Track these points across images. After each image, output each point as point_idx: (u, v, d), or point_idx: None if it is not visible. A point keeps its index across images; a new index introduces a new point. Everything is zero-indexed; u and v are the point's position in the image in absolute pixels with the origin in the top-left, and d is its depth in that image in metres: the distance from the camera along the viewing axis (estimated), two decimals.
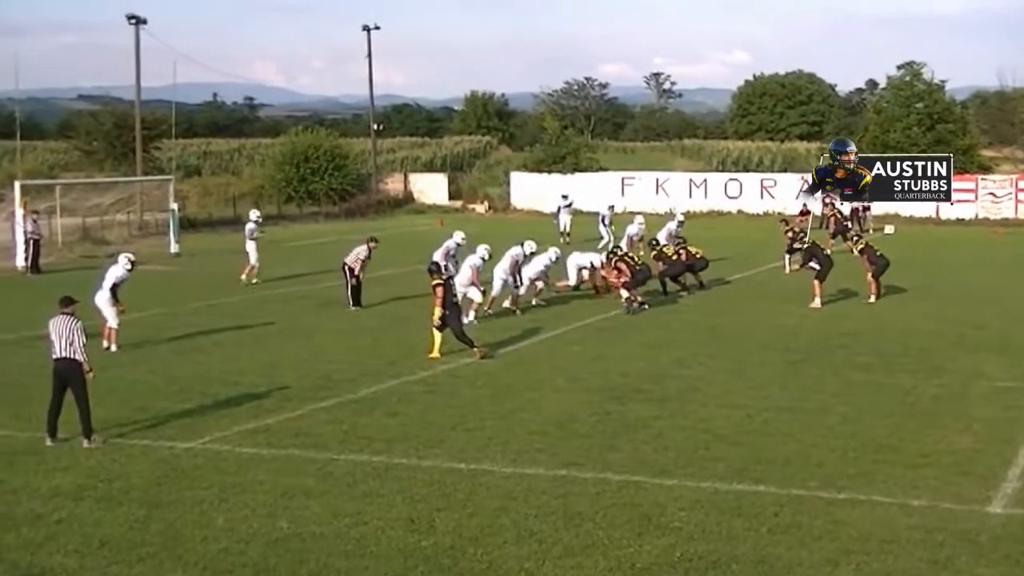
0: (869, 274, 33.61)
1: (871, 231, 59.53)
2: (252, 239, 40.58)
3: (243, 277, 39.71)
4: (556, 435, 18.87)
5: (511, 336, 28.46)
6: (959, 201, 67.82)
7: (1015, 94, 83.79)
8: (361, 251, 34.21)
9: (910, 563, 13.13)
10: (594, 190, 71.31)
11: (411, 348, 26.78)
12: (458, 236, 35.15)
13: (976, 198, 68.08)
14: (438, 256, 32.54)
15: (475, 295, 30.61)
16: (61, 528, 14.57)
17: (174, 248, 51.81)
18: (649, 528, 14.30)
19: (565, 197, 57.65)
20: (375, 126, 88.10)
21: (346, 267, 34.03)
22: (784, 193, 69.53)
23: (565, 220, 55.81)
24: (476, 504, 15.33)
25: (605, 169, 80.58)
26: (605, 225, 51.31)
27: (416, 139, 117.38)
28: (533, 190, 76.15)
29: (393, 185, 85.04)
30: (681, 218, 45.23)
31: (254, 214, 42.93)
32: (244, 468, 17.07)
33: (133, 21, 64.56)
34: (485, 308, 31.19)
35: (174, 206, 54.79)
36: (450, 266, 31.86)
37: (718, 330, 29.62)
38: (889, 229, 61.26)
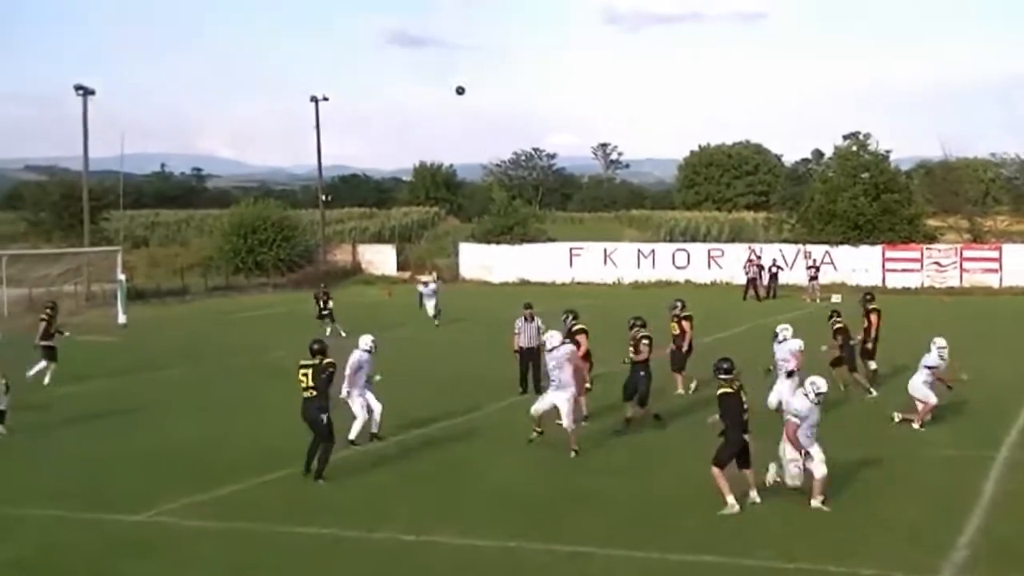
0: None
1: (819, 300, 59.93)
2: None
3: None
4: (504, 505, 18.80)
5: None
6: (905, 271, 68.42)
7: (958, 164, 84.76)
8: None
9: None
10: (543, 260, 72.85)
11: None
12: (365, 343, 24.49)
13: (921, 267, 68.66)
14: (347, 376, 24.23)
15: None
16: None
17: (122, 319, 51.41)
18: None
19: (426, 284, 51.86)
20: (323, 197, 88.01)
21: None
22: (731, 263, 69.86)
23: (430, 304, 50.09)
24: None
25: (553, 239, 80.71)
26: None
27: (365, 210, 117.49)
28: (482, 260, 76.31)
29: (341, 256, 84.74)
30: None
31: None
32: (192, 541, 16.93)
33: (81, 92, 64.68)
34: None
35: (122, 277, 54.49)
36: (360, 378, 24.22)
37: None
38: (836, 298, 61.67)
